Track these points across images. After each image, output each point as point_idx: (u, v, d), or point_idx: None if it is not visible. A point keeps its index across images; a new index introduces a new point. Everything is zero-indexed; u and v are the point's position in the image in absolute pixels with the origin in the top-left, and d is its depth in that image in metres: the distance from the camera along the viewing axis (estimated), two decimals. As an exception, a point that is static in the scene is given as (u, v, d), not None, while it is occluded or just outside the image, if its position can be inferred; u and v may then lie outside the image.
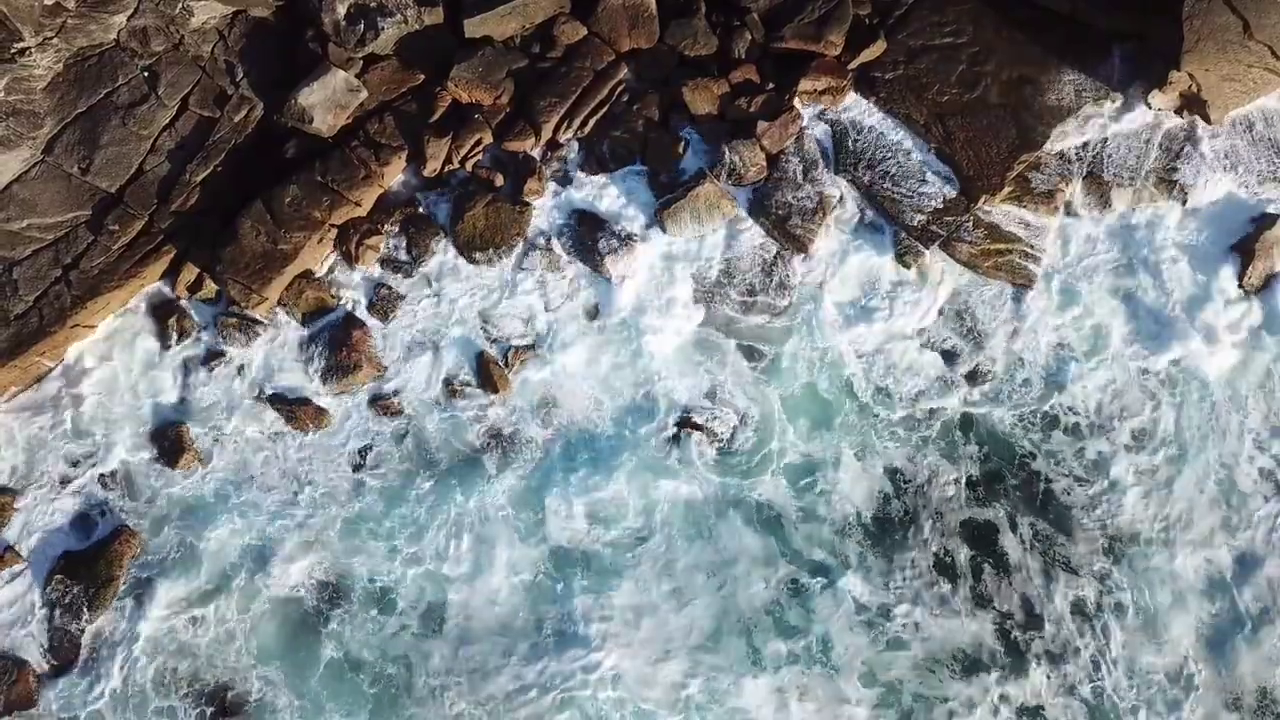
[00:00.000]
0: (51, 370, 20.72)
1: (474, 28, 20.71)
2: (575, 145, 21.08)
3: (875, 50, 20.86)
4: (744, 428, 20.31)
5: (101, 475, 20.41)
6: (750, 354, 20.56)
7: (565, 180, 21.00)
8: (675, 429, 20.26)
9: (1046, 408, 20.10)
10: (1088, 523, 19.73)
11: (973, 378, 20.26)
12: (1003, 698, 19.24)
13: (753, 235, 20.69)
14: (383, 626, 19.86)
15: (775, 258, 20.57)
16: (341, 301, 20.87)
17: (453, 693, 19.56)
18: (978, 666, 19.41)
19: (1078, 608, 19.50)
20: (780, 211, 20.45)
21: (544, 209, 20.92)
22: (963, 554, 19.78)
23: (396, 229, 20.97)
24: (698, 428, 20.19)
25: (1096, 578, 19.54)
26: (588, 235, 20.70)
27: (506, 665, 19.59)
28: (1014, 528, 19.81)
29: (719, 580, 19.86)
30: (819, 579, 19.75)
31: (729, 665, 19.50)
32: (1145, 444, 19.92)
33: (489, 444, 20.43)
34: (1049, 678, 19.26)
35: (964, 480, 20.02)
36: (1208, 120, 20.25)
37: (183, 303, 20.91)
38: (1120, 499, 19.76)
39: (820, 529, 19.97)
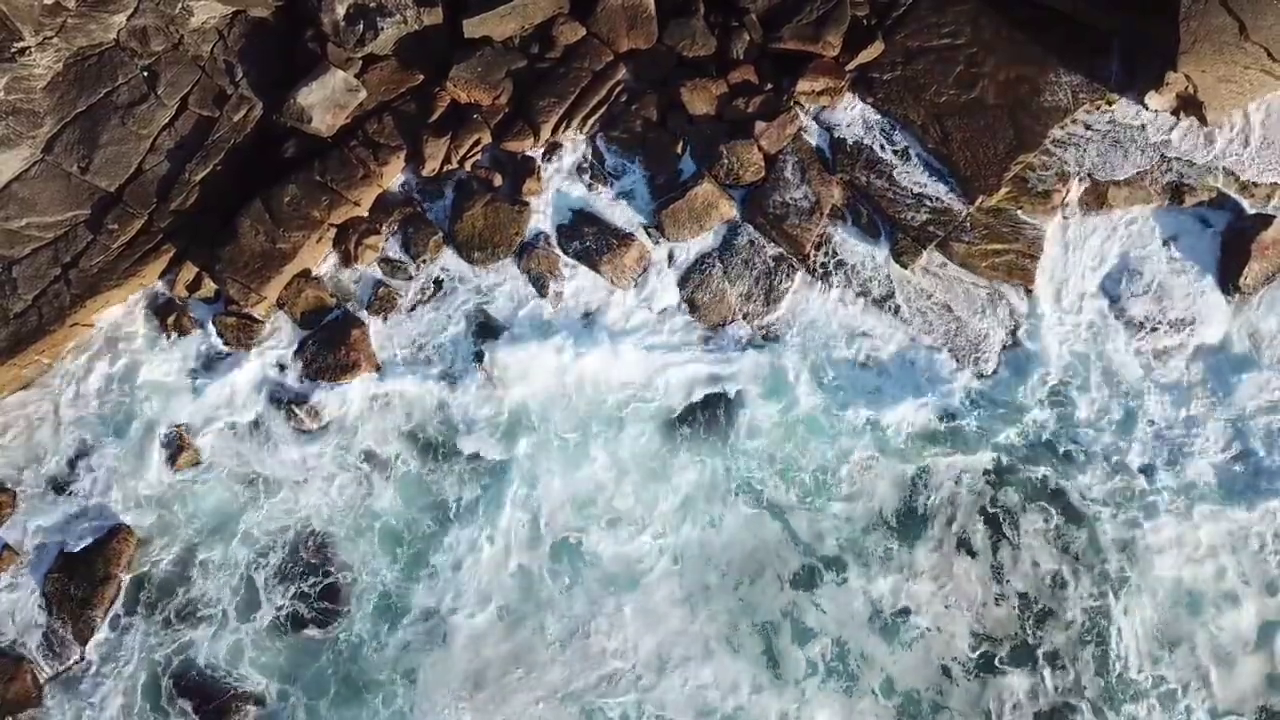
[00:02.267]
0: (50, 368, 20.75)
1: (473, 28, 20.76)
2: (579, 145, 21.14)
3: (873, 51, 20.92)
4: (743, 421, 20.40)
5: (99, 474, 20.42)
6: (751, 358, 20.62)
7: (564, 180, 21.08)
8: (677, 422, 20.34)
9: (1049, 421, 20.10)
10: (1106, 529, 19.61)
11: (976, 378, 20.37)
12: (1016, 706, 19.06)
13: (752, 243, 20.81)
14: (388, 637, 19.71)
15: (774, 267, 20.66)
16: (340, 300, 20.91)
17: (463, 707, 19.38)
18: (993, 669, 19.27)
19: (1094, 611, 19.33)
20: (777, 211, 20.50)
21: (542, 209, 20.97)
22: (980, 547, 19.70)
23: (395, 228, 21.02)
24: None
25: (1113, 581, 19.36)
26: (586, 235, 20.75)
27: (518, 676, 19.45)
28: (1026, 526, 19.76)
29: (735, 580, 19.73)
30: (833, 578, 19.64)
31: (749, 673, 19.38)
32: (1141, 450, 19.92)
33: (488, 442, 20.42)
34: (1064, 679, 19.10)
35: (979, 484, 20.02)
36: (1204, 121, 20.32)
37: (182, 301, 20.96)
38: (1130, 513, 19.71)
39: (830, 526, 19.92)
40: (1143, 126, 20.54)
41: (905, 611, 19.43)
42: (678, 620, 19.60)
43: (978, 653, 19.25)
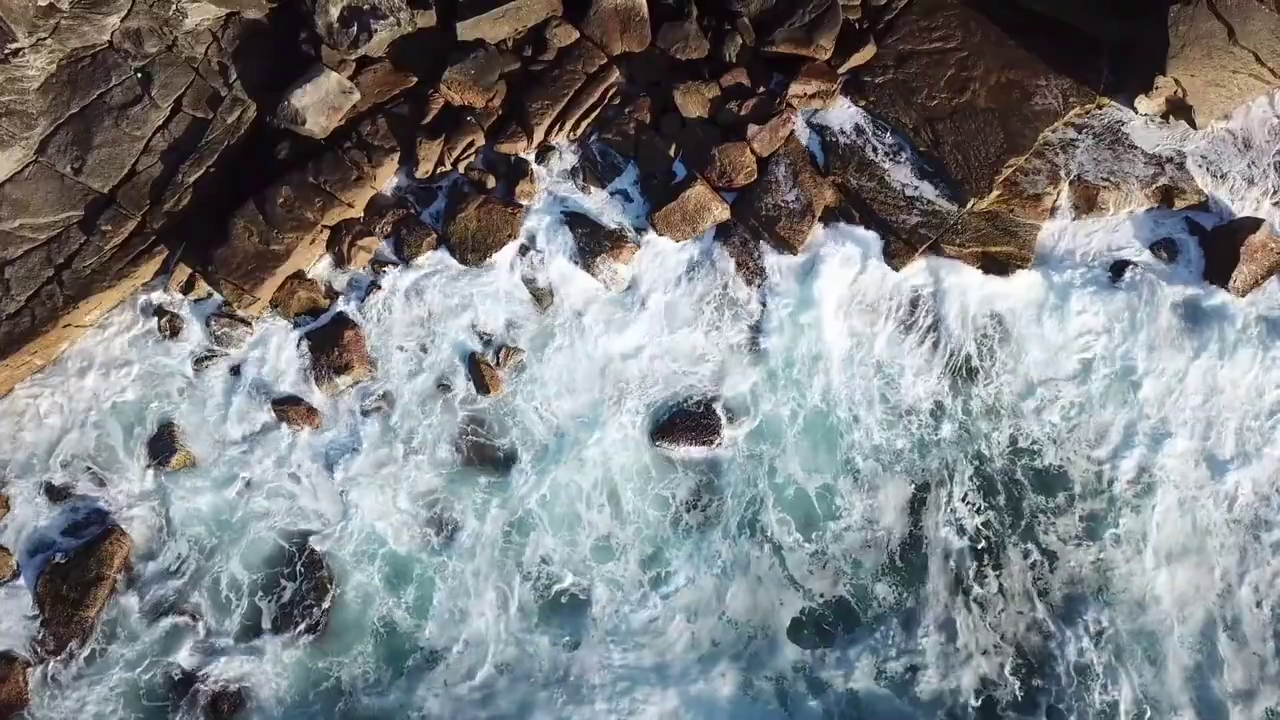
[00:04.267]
0: (43, 369, 20.75)
1: (466, 31, 20.81)
2: (572, 148, 21.19)
3: (865, 55, 21.03)
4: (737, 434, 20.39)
5: (93, 474, 20.40)
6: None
7: (558, 182, 21.14)
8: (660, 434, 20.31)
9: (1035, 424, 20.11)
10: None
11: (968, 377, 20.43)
12: None
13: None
14: (391, 676, 19.46)
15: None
16: (333, 302, 20.94)
17: None
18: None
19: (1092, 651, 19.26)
20: (769, 214, 20.58)
21: (536, 211, 21.02)
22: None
23: (389, 230, 21.05)
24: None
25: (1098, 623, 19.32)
26: (580, 237, 20.81)
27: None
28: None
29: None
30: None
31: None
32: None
33: (482, 448, 20.45)
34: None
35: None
36: (1193, 125, 20.47)
37: (175, 303, 20.97)
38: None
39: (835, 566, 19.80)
40: (1120, 124, 20.68)
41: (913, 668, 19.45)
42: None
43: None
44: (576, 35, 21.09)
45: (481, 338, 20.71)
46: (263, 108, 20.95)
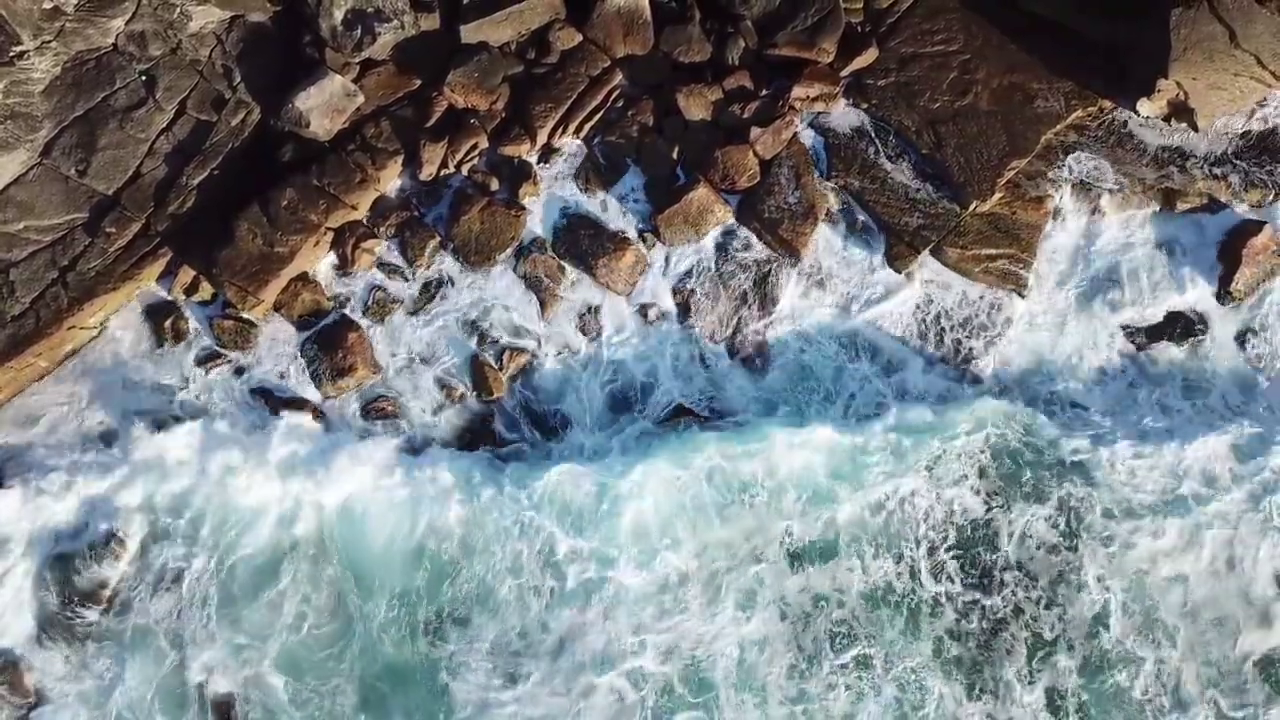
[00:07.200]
0: (48, 372, 20.79)
1: (470, 33, 20.85)
2: (575, 150, 21.25)
3: (867, 58, 21.06)
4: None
5: (96, 476, 20.43)
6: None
7: (561, 185, 21.18)
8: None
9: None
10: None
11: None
12: None
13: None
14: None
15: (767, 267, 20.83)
16: (337, 304, 20.99)
17: None
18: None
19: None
20: (772, 216, 20.63)
21: (539, 213, 21.06)
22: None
23: (392, 232, 21.10)
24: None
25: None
26: (582, 239, 20.86)
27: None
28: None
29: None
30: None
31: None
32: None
33: (482, 451, 20.52)
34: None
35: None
36: (1195, 128, 20.49)
37: (179, 305, 21.01)
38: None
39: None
40: (1122, 126, 20.73)
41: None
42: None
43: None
44: (579, 38, 21.14)
45: (484, 340, 20.76)
46: (266, 110, 21.00)
